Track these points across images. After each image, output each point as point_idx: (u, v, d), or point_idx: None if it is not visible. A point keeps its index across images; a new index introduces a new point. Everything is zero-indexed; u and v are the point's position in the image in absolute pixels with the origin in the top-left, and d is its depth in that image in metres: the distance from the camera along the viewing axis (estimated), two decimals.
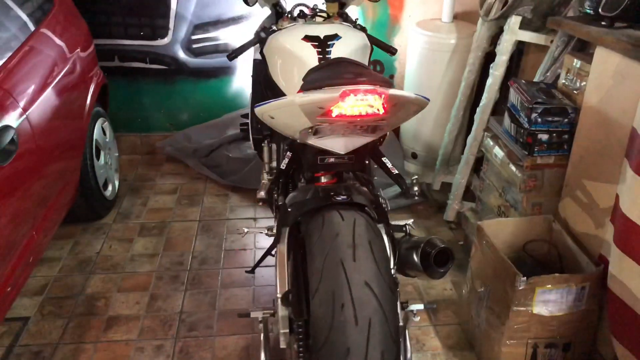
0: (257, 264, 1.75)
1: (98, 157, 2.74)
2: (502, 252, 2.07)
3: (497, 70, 2.56)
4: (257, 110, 1.43)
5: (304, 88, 1.38)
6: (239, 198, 3.10)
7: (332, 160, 1.67)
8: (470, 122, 2.84)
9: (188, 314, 2.26)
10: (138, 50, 3.34)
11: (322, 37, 1.83)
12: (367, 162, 1.77)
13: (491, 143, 2.41)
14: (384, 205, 1.88)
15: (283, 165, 1.70)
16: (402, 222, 1.91)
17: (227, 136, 3.28)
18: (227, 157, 3.22)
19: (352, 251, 1.37)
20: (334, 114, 1.28)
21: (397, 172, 1.68)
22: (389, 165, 1.69)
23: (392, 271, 1.56)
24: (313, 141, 1.48)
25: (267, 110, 1.40)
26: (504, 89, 2.62)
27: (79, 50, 2.60)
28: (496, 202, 2.40)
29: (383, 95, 1.25)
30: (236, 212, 2.97)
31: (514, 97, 2.18)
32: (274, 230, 1.60)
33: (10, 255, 1.83)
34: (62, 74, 2.33)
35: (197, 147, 3.37)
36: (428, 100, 1.44)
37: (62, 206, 2.36)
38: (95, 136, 2.68)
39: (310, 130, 1.40)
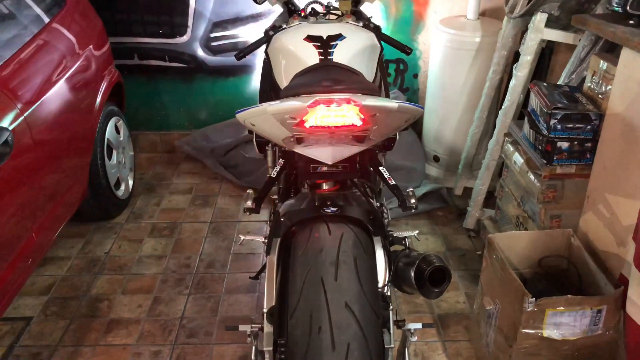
0: (261, 270, 1.68)
1: (110, 157, 2.72)
2: (515, 267, 1.94)
3: (520, 71, 2.40)
4: (238, 116, 1.35)
5: (283, 94, 1.30)
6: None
7: (325, 168, 1.58)
8: (495, 125, 2.70)
9: (189, 319, 2.21)
10: (157, 48, 3.32)
11: (324, 38, 1.73)
12: (370, 168, 1.68)
13: (511, 149, 2.26)
14: (384, 216, 1.78)
15: (274, 173, 1.62)
16: (406, 234, 1.81)
17: (244, 136, 3.22)
18: (244, 157, 3.17)
19: (335, 269, 1.28)
20: (307, 124, 1.19)
21: (393, 182, 1.57)
22: (386, 174, 1.59)
23: (386, 288, 1.46)
24: (299, 150, 1.40)
25: (246, 117, 1.32)
26: (529, 91, 2.46)
27: (91, 47, 2.59)
28: (515, 211, 2.25)
29: (358, 106, 1.16)
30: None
31: (534, 101, 2.03)
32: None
33: (6, 257, 1.82)
34: (70, 71, 2.32)
35: (214, 146, 3.33)
36: (421, 108, 1.34)
37: (68, 206, 2.35)
38: (107, 135, 2.67)
39: (292, 139, 1.32)
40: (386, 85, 2.20)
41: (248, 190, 1.57)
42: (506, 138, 2.34)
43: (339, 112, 1.16)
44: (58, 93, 2.20)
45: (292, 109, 1.17)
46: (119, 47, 3.24)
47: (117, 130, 2.85)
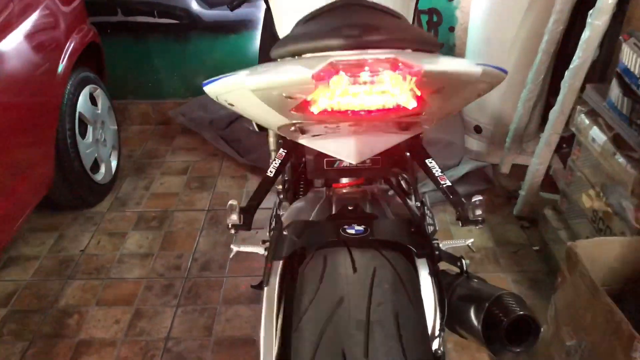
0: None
1: (84, 133, 2.25)
2: (602, 284, 1.45)
3: (598, 19, 1.84)
4: (206, 90, 0.86)
5: (275, 53, 0.80)
6: (257, 182, 2.56)
7: (345, 164, 1.10)
8: (553, 89, 2.15)
9: (176, 340, 1.77)
10: (144, 1, 2.80)
11: None
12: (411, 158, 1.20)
13: (587, 121, 1.74)
14: (427, 222, 1.29)
15: (271, 171, 1.13)
16: (457, 243, 1.32)
17: None
18: (248, 130, 2.67)
19: (365, 337, 0.81)
20: (314, 108, 0.69)
21: (448, 183, 1.07)
22: (437, 171, 1.09)
23: (437, 341, 0.99)
24: (306, 142, 0.91)
25: (218, 93, 0.83)
26: (606, 45, 1.91)
27: (52, 3, 2.09)
28: (591, 203, 1.74)
29: (414, 74, 0.65)
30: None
31: (628, 56, 1.50)
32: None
33: None
34: (19, 25, 1.83)
35: (214, 117, 2.85)
36: (505, 72, 0.83)
37: (26, 197, 1.90)
38: (79, 108, 2.19)
39: (293, 128, 0.82)
40: None
41: (230, 202, 1.08)
42: (579, 107, 1.81)
43: (376, 87, 0.66)
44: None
45: (287, 83, 0.68)
46: (99, 1, 2.73)
47: (94, 101, 2.36)
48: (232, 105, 0.84)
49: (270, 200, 1.22)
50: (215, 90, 0.83)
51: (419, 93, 0.66)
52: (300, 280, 0.97)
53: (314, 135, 0.90)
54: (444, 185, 1.07)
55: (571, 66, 1.95)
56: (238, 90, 0.76)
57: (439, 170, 1.08)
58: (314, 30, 0.75)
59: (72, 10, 2.24)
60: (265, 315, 0.97)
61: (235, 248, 1.30)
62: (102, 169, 2.39)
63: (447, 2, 2.76)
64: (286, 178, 1.45)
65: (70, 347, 1.75)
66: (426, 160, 1.09)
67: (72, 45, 2.13)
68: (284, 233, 1.08)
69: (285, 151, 1.14)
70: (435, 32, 2.83)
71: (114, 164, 2.53)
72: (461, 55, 2.75)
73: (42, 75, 1.94)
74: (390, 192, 1.21)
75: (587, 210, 1.76)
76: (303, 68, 0.65)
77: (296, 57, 0.74)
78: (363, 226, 0.97)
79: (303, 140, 0.91)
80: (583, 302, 1.32)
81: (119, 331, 1.81)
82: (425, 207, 1.35)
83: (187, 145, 2.90)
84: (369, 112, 0.68)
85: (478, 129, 2.64)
